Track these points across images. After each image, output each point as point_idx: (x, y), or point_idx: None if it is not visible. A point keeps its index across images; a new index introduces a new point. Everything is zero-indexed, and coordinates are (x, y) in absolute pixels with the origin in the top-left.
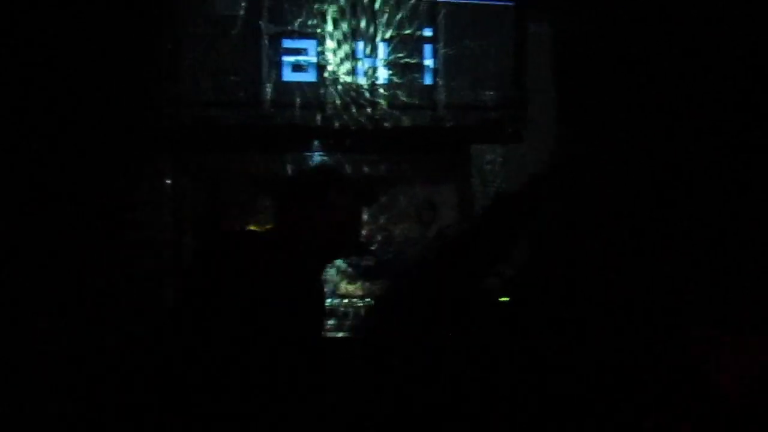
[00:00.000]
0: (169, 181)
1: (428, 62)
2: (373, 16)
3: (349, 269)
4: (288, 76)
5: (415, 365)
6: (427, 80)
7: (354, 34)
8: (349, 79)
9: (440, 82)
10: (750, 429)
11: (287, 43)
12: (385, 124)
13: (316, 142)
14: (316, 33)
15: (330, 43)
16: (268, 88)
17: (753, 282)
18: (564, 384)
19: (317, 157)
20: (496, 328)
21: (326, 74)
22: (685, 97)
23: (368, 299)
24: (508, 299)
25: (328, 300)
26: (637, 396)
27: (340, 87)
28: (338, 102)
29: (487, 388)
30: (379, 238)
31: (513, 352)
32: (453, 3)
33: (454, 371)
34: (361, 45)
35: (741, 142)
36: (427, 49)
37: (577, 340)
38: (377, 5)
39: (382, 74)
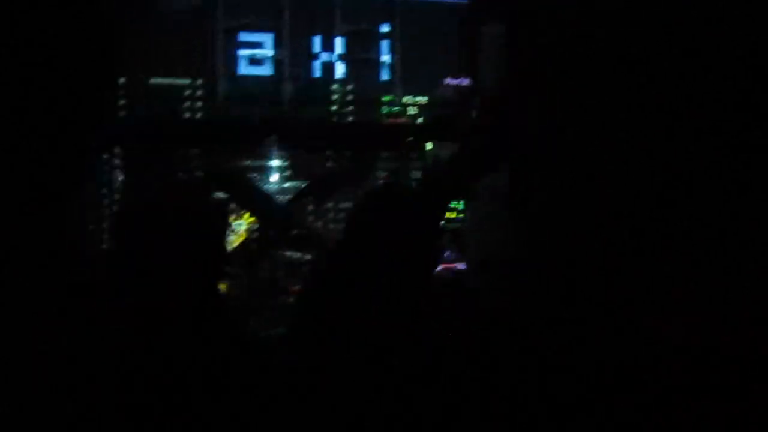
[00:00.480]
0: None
1: (385, 58)
2: (330, 12)
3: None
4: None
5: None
6: (384, 76)
7: (311, 29)
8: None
9: (396, 79)
10: None
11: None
12: (340, 119)
13: (271, 137)
14: (273, 26)
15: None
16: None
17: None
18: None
19: (272, 152)
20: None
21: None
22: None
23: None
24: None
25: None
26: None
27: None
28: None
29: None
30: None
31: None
32: (409, 0)
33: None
34: (318, 40)
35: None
36: (384, 45)
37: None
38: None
39: (339, 69)
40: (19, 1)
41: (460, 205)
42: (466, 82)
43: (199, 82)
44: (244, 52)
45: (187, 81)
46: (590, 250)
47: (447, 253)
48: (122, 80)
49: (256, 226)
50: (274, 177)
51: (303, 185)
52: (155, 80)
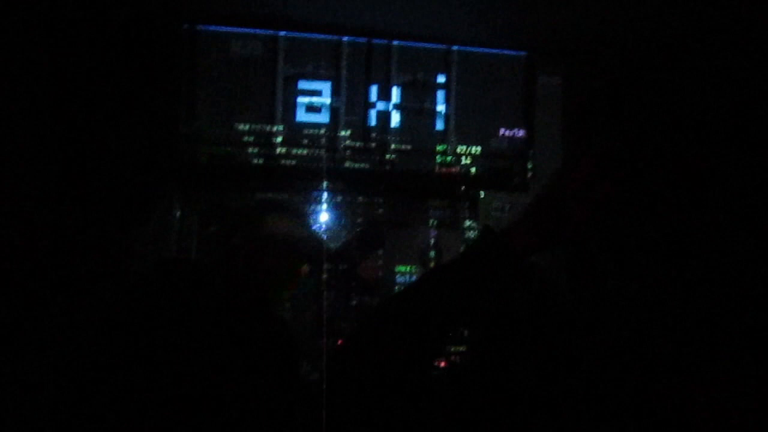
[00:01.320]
0: (178, 215)
1: (440, 108)
2: (387, 62)
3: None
4: (302, 116)
5: None
6: (439, 126)
7: (368, 78)
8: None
9: (451, 128)
10: None
11: (302, 85)
12: (395, 168)
13: (326, 184)
14: (331, 75)
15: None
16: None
17: None
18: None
19: (325, 198)
20: None
21: (339, 116)
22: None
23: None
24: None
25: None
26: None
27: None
28: (350, 144)
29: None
30: (381, 277)
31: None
32: (466, 51)
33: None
34: (374, 89)
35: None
36: (440, 95)
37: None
38: (393, 51)
39: (395, 118)
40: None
41: None
42: (521, 133)
43: (260, 128)
44: (302, 100)
45: (247, 127)
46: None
47: None
48: (184, 124)
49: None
50: (327, 221)
51: (356, 232)
52: (217, 125)
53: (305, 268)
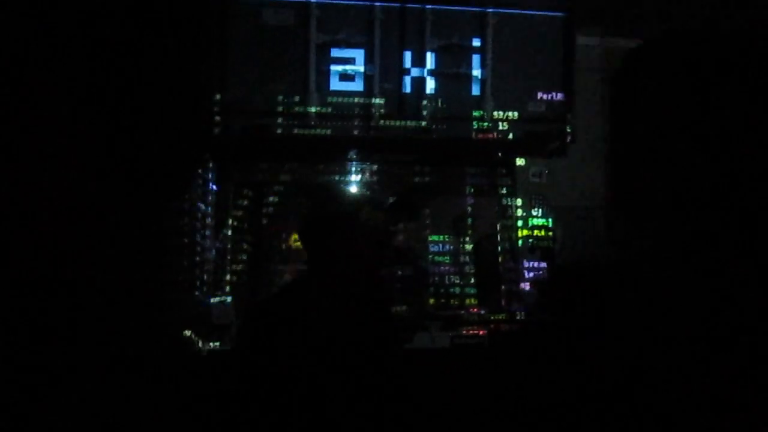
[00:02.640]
0: (213, 188)
1: (476, 73)
2: (421, 27)
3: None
4: (335, 85)
5: None
6: (475, 91)
7: (401, 44)
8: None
9: (487, 93)
10: None
11: (335, 53)
12: (431, 135)
13: (361, 152)
14: (364, 42)
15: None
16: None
17: None
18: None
19: (360, 167)
20: None
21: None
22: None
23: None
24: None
25: None
26: None
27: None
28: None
29: None
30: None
31: None
32: (502, 13)
33: None
34: (408, 55)
35: None
36: (475, 59)
37: None
38: (426, 15)
39: (429, 84)
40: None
41: (549, 223)
42: (559, 96)
43: (293, 97)
44: (335, 68)
45: (280, 97)
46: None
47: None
48: (218, 95)
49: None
50: (363, 191)
51: (391, 201)
52: (250, 96)
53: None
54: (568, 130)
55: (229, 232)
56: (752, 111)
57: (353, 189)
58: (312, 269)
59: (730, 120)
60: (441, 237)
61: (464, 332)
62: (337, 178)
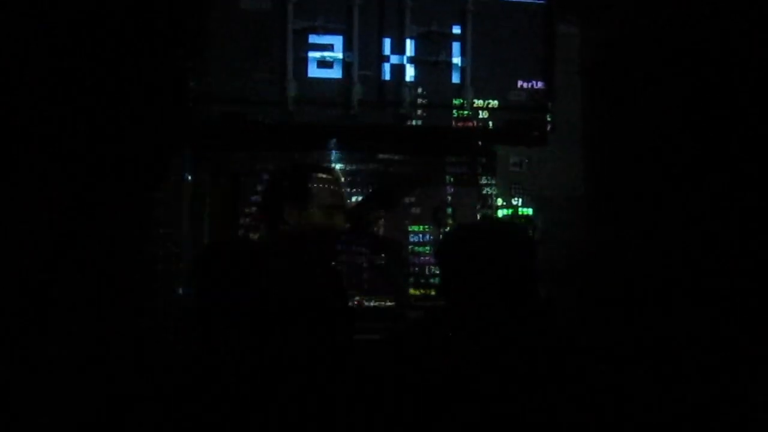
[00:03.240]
0: (189, 178)
1: (456, 60)
2: (401, 13)
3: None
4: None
5: None
6: (455, 79)
7: (381, 31)
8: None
9: (467, 81)
10: None
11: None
12: (411, 123)
13: (340, 141)
14: (342, 29)
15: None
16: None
17: None
18: None
19: (339, 156)
20: None
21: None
22: (717, 104)
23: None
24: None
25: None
26: None
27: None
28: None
29: None
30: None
31: None
32: (482, 0)
33: None
34: (388, 42)
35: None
36: (456, 47)
37: None
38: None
39: (409, 72)
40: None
41: (530, 212)
42: (539, 84)
43: (271, 85)
44: (313, 54)
45: (256, 85)
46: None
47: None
48: (194, 82)
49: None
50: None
51: (370, 191)
52: (228, 82)
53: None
54: (549, 119)
55: (206, 223)
56: (732, 101)
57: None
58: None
59: (709, 110)
60: (421, 227)
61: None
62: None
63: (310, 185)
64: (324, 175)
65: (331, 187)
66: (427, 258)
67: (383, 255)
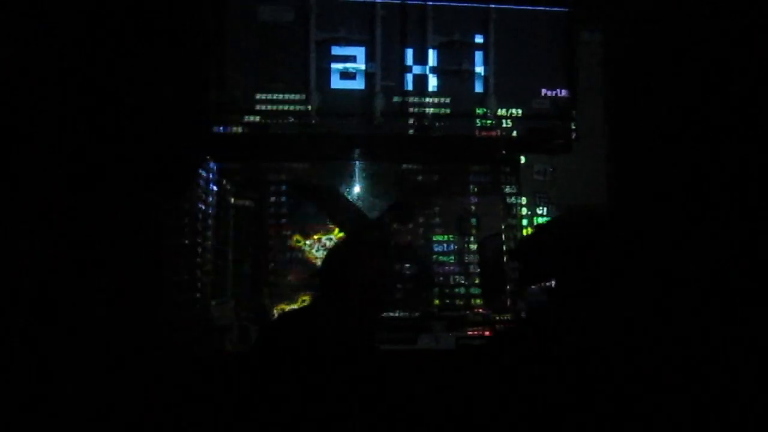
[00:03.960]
0: (215, 189)
1: (479, 70)
2: (422, 23)
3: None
4: (336, 83)
5: None
6: (477, 88)
7: (403, 41)
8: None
9: (490, 90)
10: None
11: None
12: (433, 133)
13: (363, 152)
14: (364, 40)
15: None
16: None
17: None
18: None
19: (363, 167)
20: None
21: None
22: (741, 109)
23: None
24: None
25: None
26: None
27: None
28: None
29: None
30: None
31: None
32: (504, 9)
33: None
34: (410, 52)
35: None
36: (478, 56)
37: None
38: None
39: (432, 82)
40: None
41: None
42: (563, 93)
43: (294, 96)
44: (336, 66)
45: (279, 96)
46: None
47: None
48: (216, 95)
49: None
50: (365, 192)
51: (394, 200)
52: (249, 95)
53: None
54: (573, 128)
55: (230, 233)
56: (754, 107)
57: (357, 189)
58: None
59: (731, 116)
60: (445, 237)
61: (469, 333)
62: (339, 178)
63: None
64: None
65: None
66: (451, 268)
67: (408, 266)
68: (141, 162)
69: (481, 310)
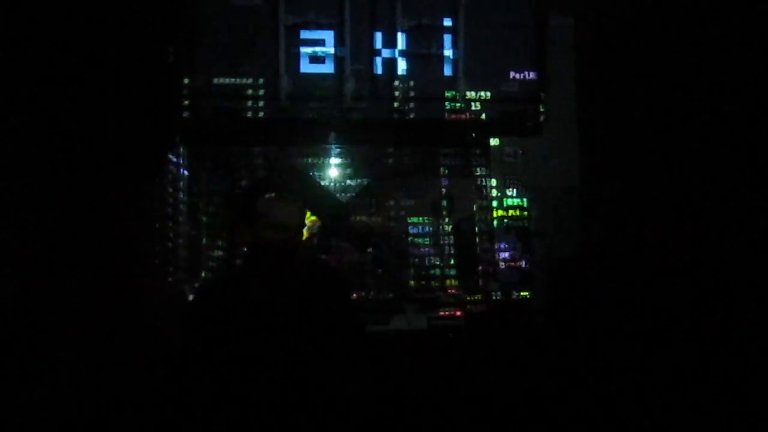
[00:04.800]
0: (185, 173)
1: (448, 53)
2: (392, 7)
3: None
4: (306, 67)
5: None
6: (447, 71)
7: (372, 25)
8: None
9: (460, 73)
10: None
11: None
12: (404, 117)
13: (334, 135)
14: (333, 23)
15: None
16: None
17: None
18: None
19: (334, 151)
20: None
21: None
22: (709, 97)
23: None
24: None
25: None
26: None
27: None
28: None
29: None
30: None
31: None
32: None
33: None
34: (379, 36)
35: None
36: (447, 39)
37: None
38: None
39: (401, 65)
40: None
41: (524, 203)
42: (532, 75)
43: (261, 81)
44: (305, 50)
45: (249, 80)
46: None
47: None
48: (187, 79)
49: (318, 223)
50: (336, 174)
51: (365, 183)
52: (219, 79)
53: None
54: (542, 110)
55: (204, 218)
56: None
57: (330, 173)
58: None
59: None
60: (419, 219)
61: (441, 314)
62: (310, 161)
63: (259, 206)
64: (275, 194)
65: (283, 206)
66: (424, 250)
67: (376, 249)
68: (111, 146)
69: (453, 290)
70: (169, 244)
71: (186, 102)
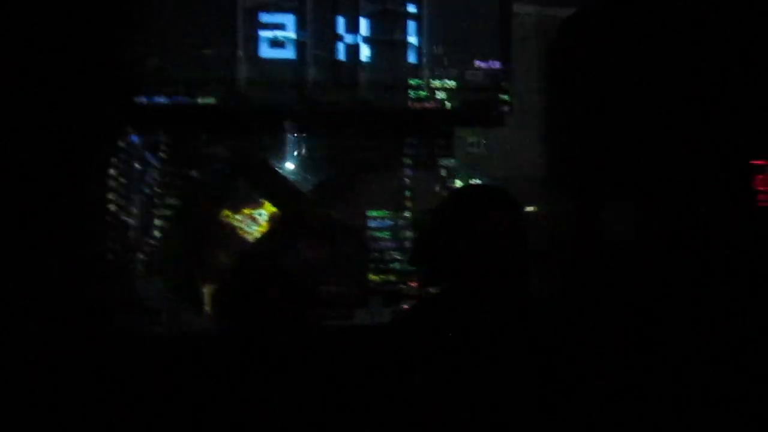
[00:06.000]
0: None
1: (412, 40)
2: None
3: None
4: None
5: None
6: (411, 59)
7: (334, 9)
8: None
9: (424, 61)
10: None
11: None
12: (366, 105)
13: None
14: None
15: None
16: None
17: None
18: None
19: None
20: None
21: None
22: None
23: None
24: None
25: None
26: None
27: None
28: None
29: None
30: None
31: None
32: None
33: None
34: (342, 21)
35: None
36: (411, 26)
37: None
38: None
39: (364, 52)
40: None
41: None
42: (497, 65)
43: (221, 66)
44: (264, 34)
45: (207, 64)
46: None
47: None
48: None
49: (279, 215)
50: (297, 166)
51: (327, 175)
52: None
53: None
54: (506, 99)
55: (161, 211)
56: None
57: (289, 164)
58: None
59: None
60: (380, 212)
61: (404, 307)
62: (269, 150)
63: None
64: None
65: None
66: (386, 243)
67: (337, 242)
68: (61, 133)
69: (416, 284)
70: (125, 238)
71: (137, 87)
